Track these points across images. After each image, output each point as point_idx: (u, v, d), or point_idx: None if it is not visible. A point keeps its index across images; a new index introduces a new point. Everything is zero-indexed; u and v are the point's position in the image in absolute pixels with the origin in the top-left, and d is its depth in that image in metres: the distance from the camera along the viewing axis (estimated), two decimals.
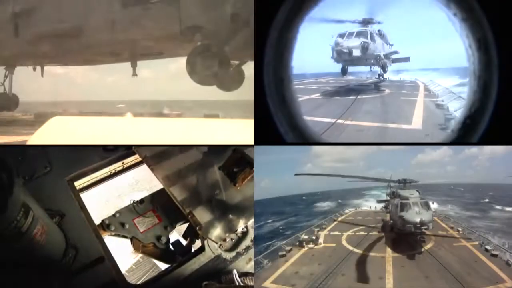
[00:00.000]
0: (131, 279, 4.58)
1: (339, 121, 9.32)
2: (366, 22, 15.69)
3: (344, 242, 9.02)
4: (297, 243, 8.53)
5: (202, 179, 4.23)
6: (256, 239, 4.14)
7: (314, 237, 8.83)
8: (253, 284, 3.89)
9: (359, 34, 14.35)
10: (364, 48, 13.85)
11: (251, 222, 4.05)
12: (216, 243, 3.91)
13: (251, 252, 3.99)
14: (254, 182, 4.31)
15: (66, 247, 3.65)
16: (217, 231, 3.92)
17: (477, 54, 3.15)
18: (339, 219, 13.96)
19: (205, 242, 3.90)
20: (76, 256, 3.62)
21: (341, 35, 14.48)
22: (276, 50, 3.83)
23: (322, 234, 10.18)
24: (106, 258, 3.66)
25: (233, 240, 3.97)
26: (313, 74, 18.48)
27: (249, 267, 4.00)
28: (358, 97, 13.17)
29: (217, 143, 4.32)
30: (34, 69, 16.47)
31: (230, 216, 4.02)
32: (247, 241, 4.00)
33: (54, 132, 4.32)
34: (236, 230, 3.98)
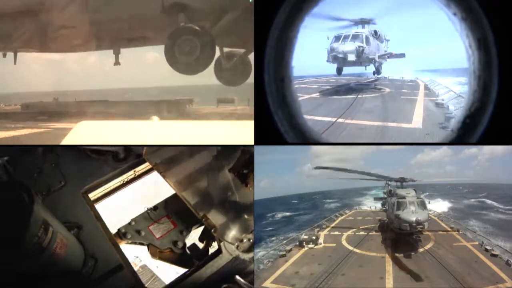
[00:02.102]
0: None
1: (340, 120, 9.32)
2: (363, 22, 15.68)
3: (344, 242, 9.02)
4: (297, 243, 8.54)
5: (213, 182, 4.24)
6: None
7: (314, 237, 8.83)
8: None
9: (355, 37, 14.34)
10: (359, 52, 13.88)
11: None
12: (233, 244, 3.91)
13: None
14: (254, 182, 4.32)
15: (85, 257, 3.75)
16: (232, 233, 3.94)
17: (477, 53, 3.15)
18: (339, 219, 13.96)
19: (222, 244, 3.92)
20: (95, 265, 3.72)
21: (337, 38, 14.45)
22: (276, 50, 3.82)
23: (322, 234, 10.18)
24: (124, 266, 3.74)
25: (251, 241, 3.98)
26: (312, 76, 18.47)
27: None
28: (359, 96, 13.17)
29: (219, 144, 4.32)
30: (4, 55, 15.52)
31: (245, 216, 4.03)
32: None
33: (83, 137, 4.36)
34: (252, 230, 3.98)
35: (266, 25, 3.66)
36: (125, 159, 4.72)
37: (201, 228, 4.42)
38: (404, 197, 8.16)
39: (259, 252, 8.34)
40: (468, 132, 3.21)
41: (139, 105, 13.90)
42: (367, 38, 14.45)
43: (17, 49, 15.01)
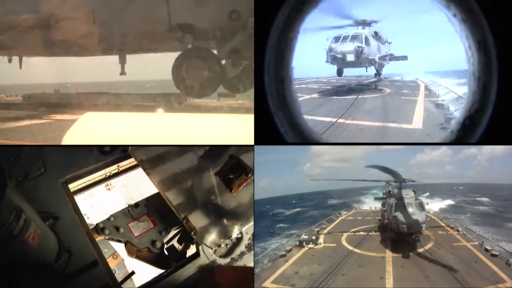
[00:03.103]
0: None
1: (340, 120, 9.33)
2: (364, 23, 15.65)
3: (344, 242, 9.03)
4: (297, 243, 8.55)
5: (197, 184, 4.19)
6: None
7: (314, 237, 8.85)
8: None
9: (354, 37, 14.32)
10: (358, 52, 13.87)
11: (245, 228, 4.06)
12: (211, 248, 3.90)
13: (245, 257, 4.00)
14: (254, 181, 4.31)
15: (59, 250, 3.59)
16: (212, 237, 3.91)
17: (477, 55, 3.15)
18: (339, 219, 13.97)
19: (200, 247, 3.88)
20: (70, 259, 3.57)
21: (336, 39, 14.43)
22: (276, 51, 3.82)
23: (322, 234, 10.20)
24: (100, 262, 3.61)
25: (228, 246, 3.97)
26: (313, 78, 18.50)
27: None
28: (359, 96, 13.19)
29: (217, 139, 4.27)
30: (10, 60, 15.60)
31: (225, 221, 4.00)
32: (242, 247, 4.00)
33: (87, 129, 4.28)
34: (231, 236, 3.97)
35: (266, 26, 3.67)
36: (110, 152, 4.59)
37: (181, 229, 4.34)
38: (402, 198, 8.18)
39: (271, 245, 8.43)
40: (468, 133, 3.22)
41: (140, 97, 13.92)
42: (366, 38, 14.43)
43: (23, 55, 15.20)
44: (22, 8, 13.55)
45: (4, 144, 8.23)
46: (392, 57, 16.56)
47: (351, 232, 10.48)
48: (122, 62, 14.57)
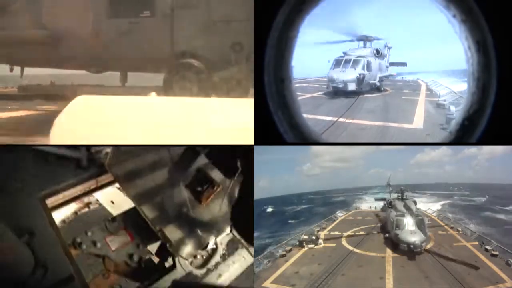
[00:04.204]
0: None
1: (341, 119, 9.33)
2: (365, 39, 15.57)
3: (344, 242, 9.02)
4: (297, 243, 8.55)
5: (171, 198, 4.28)
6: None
7: (314, 237, 8.85)
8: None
9: (356, 63, 14.21)
10: (360, 80, 13.82)
11: (220, 238, 4.16)
12: (187, 260, 3.94)
13: (220, 268, 4.09)
14: (253, 181, 4.33)
15: (34, 265, 3.53)
16: (187, 248, 4.00)
17: (476, 56, 3.15)
18: (339, 219, 13.97)
19: (176, 259, 3.95)
20: (45, 275, 3.51)
21: (337, 62, 14.32)
22: (276, 50, 3.83)
23: (322, 234, 10.19)
24: (75, 277, 3.58)
25: (204, 257, 4.03)
26: (314, 77, 18.51)
27: (220, 282, 4.07)
28: (360, 96, 13.19)
29: (214, 125, 4.27)
30: (11, 69, 15.72)
31: (200, 233, 4.10)
32: (217, 257, 4.12)
33: (80, 111, 4.26)
34: (206, 247, 4.03)
35: (266, 26, 3.67)
36: (88, 167, 4.57)
37: (158, 242, 4.35)
38: (403, 215, 8.21)
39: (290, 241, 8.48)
40: (467, 134, 3.22)
41: (140, 90, 13.92)
42: (368, 63, 14.33)
43: (25, 66, 15.37)
44: (28, 24, 13.71)
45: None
46: (392, 63, 16.55)
47: (351, 232, 10.48)
48: (123, 82, 14.73)
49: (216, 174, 4.43)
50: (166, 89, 12.68)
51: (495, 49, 2.99)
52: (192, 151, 4.48)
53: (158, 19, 13.14)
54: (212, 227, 4.20)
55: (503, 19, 2.97)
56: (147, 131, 4.20)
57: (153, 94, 5.05)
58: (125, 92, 13.57)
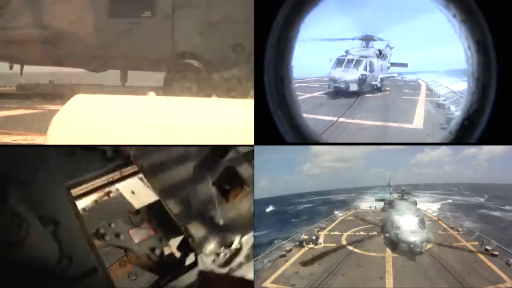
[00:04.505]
0: None
1: (341, 119, 9.35)
2: (367, 39, 15.53)
3: (344, 242, 9.03)
4: (297, 243, 8.55)
5: (197, 193, 4.18)
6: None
7: (314, 237, 8.85)
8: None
9: (358, 63, 14.17)
10: (362, 81, 13.81)
11: (245, 238, 4.04)
12: (210, 257, 3.89)
13: (244, 267, 3.98)
14: (254, 181, 4.31)
15: (59, 256, 3.51)
16: (211, 246, 3.88)
17: (476, 56, 3.15)
18: (339, 219, 13.98)
19: (199, 256, 3.85)
20: (70, 265, 3.48)
21: (339, 62, 14.28)
22: (276, 50, 3.83)
23: (322, 234, 10.20)
24: (99, 268, 3.54)
25: (227, 256, 3.97)
26: (315, 77, 18.49)
27: None
28: (360, 96, 13.20)
29: (215, 124, 4.23)
30: (11, 67, 15.69)
31: (224, 231, 4.01)
32: (241, 257, 3.99)
33: (77, 111, 4.21)
34: (230, 246, 3.97)
35: (266, 25, 3.67)
36: (112, 158, 4.54)
37: (181, 237, 4.27)
38: (403, 215, 8.21)
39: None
40: (467, 134, 3.22)
41: (139, 90, 13.94)
42: (371, 64, 14.30)
43: (25, 64, 15.33)
44: (28, 24, 13.71)
45: (6, 144, 8.24)
46: (393, 64, 16.52)
47: (351, 232, 10.49)
48: (123, 81, 14.68)
49: (245, 173, 4.29)
50: (166, 89, 12.70)
51: (495, 49, 2.99)
52: (222, 147, 4.42)
53: (159, 19, 13.16)
54: (238, 226, 4.05)
55: (503, 19, 2.97)
56: (145, 131, 4.17)
57: (152, 93, 5.01)
58: (125, 92, 13.60)
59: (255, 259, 6.16)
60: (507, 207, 23.76)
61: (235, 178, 4.20)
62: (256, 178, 4.42)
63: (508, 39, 2.95)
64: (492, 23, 2.97)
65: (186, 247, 4.19)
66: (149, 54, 13.14)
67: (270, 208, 29.64)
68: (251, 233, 4.09)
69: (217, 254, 3.92)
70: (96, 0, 13.52)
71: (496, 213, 22.92)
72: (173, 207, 4.10)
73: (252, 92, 3.92)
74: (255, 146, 4.24)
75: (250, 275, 3.99)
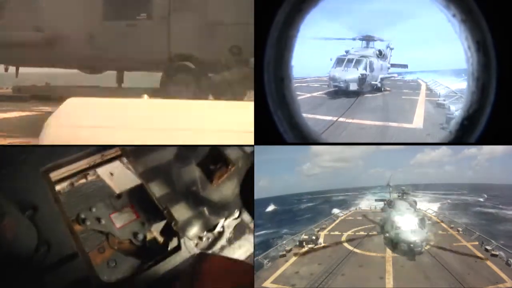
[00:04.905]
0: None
1: (341, 119, 9.34)
2: (367, 39, 15.51)
3: (344, 242, 9.03)
4: (297, 243, 8.55)
5: (180, 176, 4.09)
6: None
7: (314, 237, 8.85)
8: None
9: (358, 62, 14.15)
10: (362, 80, 13.80)
11: (228, 222, 4.01)
12: (193, 241, 3.85)
13: (225, 251, 3.95)
14: (253, 181, 4.30)
15: (38, 242, 3.43)
16: (194, 230, 3.84)
17: (476, 55, 3.15)
18: (339, 219, 13.98)
19: (182, 240, 3.81)
20: (49, 251, 3.41)
21: (339, 61, 14.27)
22: (276, 49, 3.82)
23: (322, 234, 10.19)
24: (79, 254, 3.48)
25: (209, 239, 3.93)
26: (314, 77, 18.49)
27: None
28: (360, 95, 13.19)
29: (214, 128, 4.18)
30: (6, 69, 15.65)
31: (208, 214, 3.95)
32: (223, 241, 3.96)
33: (71, 114, 4.17)
34: (214, 229, 3.93)
35: (266, 25, 3.66)
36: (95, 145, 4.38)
37: (164, 222, 4.19)
38: (403, 215, 8.21)
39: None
40: (467, 133, 3.22)
41: (135, 92, 13.90)
42: (371, 64, 14.28)
43: (19, 65, 15.31)
44: (24, 26, 13.69)
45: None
46: (393, 65, 16.50)
47: (351, 232, 10.48)
48: (120, 82, 14.63)
49: (231, 152, 4.16)
50: (162, 91, 12.69)
51: (495, 49, 2.99)
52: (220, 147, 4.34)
53: (155, 21, 13.13)
54: (222, 209, 4.01)
55: (503, 19, 2.97)
56: (139, 133, 4.13)
57: (145, 96, 4.96)
58: (121, 94, 13.58)
59: (255, 259, 6.17)
60: (502, 206, 23.89)
61: (220, 158, 4.09)
62: (256, 178, 4.41)
63: (508, 39, 2.95)
64: (492, 23, 2.97)
65: (169, 231, 4.09)
66: (145, 56, 13.12)
67: (272, 207, 29.78)
68: (234, 216, 4.04)
69: (200, 238, 3.90)
70: (92, 2, 13.50)
71: (492, 210, 23.02)
72: (155, 191, 4.01)
73: (249, 94, 3.89)
74: (255, 146, 4.23)
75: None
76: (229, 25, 12.48)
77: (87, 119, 4.11)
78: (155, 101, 5.80)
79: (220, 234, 3.97)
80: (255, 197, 4.34)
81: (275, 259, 7.44)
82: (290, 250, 8.12)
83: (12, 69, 15.51)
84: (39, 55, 13.67)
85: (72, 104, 4.29)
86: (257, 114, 3.88)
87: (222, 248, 3.93)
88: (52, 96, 14.32)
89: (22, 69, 15.66)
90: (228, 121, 4.22)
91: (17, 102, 14.91)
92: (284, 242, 8.57)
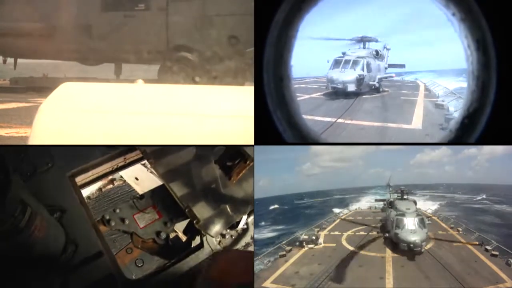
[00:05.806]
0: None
1: (340, 120, 9.35)
2: (364, 40, 15.54)
3: (344, 242, 9.03)
4: (297, 243, 8.55)
5: (201, 175, 4.08)
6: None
7: (314, 237, 8.85)
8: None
9: (355, 63, 14.17)
10: (360, 80, 13.82)
11: (251, 219, 4.00)
12: (216, 239, 3.86)
13: (250, 249, 3.95)
14: (254, 180, 4.29)
15: (65, 242, 3.57)
16: (216, 227, 3.80)
17: (476, 54, 3.14)
18: (339, 219, 13.98)
19: (204, 238, 3.83)
20: (76, 251, 3.54)
21: (337, 63, 14.28)
22: (275, 49, 3.81)
23: (322, 234, 10.20)
24: (104, 253, 3.58)
25: (233, 237, 3.92)
26: (313, 77, 18.52)
27: None
28: (358, 96, 13.22)
29: (215, 114, 4.14)
30: (5, 61, 15.62)
31: (230, 212, 3.93)
32: (247, 238, 3.94)
33: (65, 99, 4.15)
34: (237, 227, 3.92)
35: (266, 24, 3.66)
36: (116, 145, 4.44)
37: (186, 221, 4.29)
38: (403, 214, 8.20)
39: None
40: (467, 133, 3.21)
41: (129, 82, 13.89)
42: (368, 64, 14.30)
43: (18, 57, 15.26)
44: (22, 17, 13.65)
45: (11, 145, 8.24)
46: (391, 65, 16.54)
47: (351, 231, 10.49)
48: (118, 74, 14.60)
49: (248, 148, 4.10)
50: (160, 82, 12.68)
51: (494, 48, 2.99)
52: (221, 147, 4.36)
53: (153, 12, 13.09)
54: (243, 205, 3.94)
55: (503, 18, 2.96)
56: (135, 118, 4.09)
57: (140, 81, 4.91)
58: None
59: (255, 258, 6.17)
60: (502, 205, 23.95)
61: (237, 153, 4.04)
62: (256, 178, 4.40)
63: (508, 37, 2.94)
64: (492, 22, 2.96)
65: (192, 230, 4.16)
66: (144, 47, 13.09)
67: (275, 206, 29.89)
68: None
69: (223, 235, 3.90)
70: None
71: (492, 210, 23.04)
72: (177, 190, 4.02)
73: (247, 84, 3.87)
74: (255, 146, 4.22)
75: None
76: (227, 15, 12.47)
77: (80, 103, 4.06)
78: (150, 85, 5.77)
79: (245, 231, 3.96)
80: (255, 197, 4.34)
81: (275, 259, 7.45)
82: (290, 250, 8.12)
83: (10, 61, 15.53)
84: (37, 46, 13.64)
85: (66, 88, 4.25)
86: (257, 114, 3.88)
87: (247, 245, 3.92)
88: (50, 87, 14.31)
89: (20, 61, 15.64)
90: (228, 107, 4.16)
91: (15, 93, 14.88)
92: (284, 242, 8.58)
